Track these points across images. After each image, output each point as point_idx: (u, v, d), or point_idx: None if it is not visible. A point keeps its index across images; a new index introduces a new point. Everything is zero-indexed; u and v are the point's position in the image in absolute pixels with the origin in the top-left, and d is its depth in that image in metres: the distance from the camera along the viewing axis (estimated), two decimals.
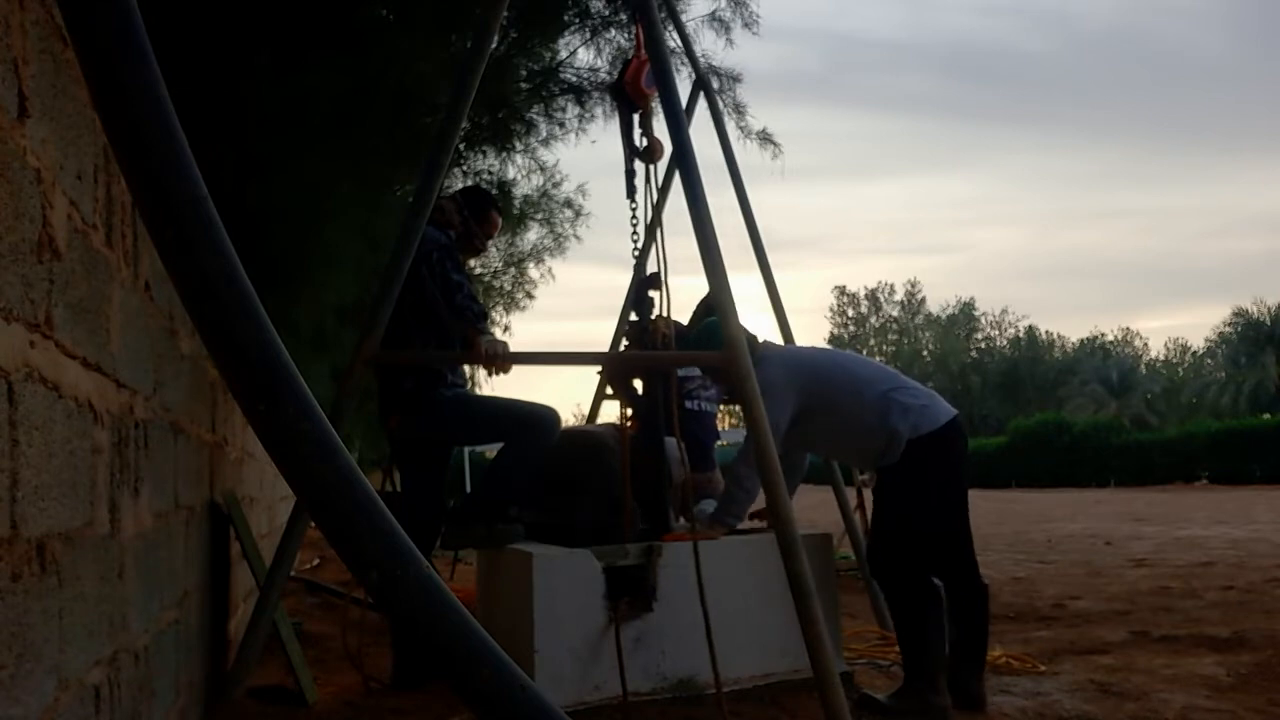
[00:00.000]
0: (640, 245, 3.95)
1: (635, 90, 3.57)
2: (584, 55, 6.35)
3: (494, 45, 4.38)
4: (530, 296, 11.41)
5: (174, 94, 1.09)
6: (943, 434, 3.53)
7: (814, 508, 12.03)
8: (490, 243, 4.60)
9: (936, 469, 3.53)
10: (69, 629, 1.45)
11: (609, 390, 5.23)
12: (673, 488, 4.04)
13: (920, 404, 3.57)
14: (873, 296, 74.84)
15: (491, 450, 4.39)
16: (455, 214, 4.08)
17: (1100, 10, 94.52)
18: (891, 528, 3.55)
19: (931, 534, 3.55)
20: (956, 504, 3.62)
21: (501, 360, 3.65)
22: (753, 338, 3.83)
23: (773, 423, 3.29)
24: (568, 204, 9.55)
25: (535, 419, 3.88)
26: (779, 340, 5.00)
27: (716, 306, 3.20)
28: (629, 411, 4.01)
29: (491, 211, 4.31)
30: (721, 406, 6.00)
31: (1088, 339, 68.60)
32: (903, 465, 3.51)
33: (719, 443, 6.25)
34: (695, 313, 5.04)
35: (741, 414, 3.33)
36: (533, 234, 10.02)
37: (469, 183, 6.78)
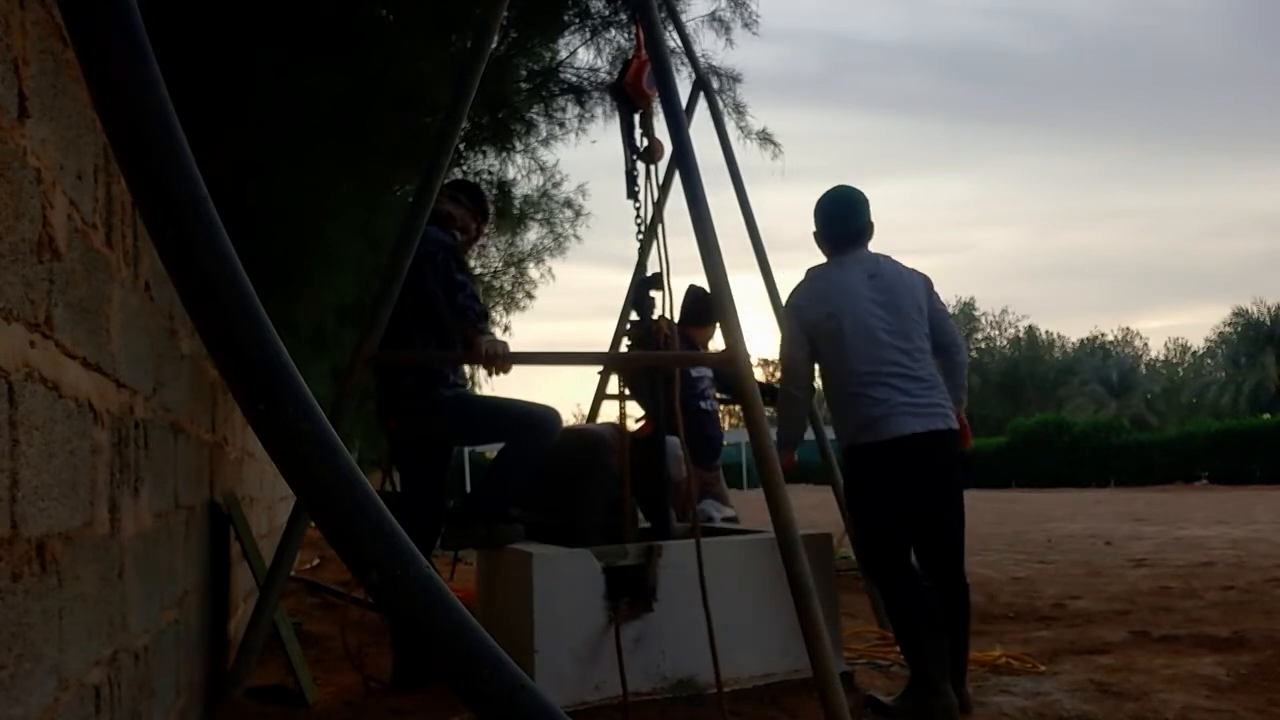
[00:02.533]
0: (642, 245, 3.96)
1: (635, 90, 3.57)
2: (584, 55, 6.37)
3: (494, 45, 4.39)
4: (530, 296, 11.41)
5: (174, 94, 1.09)
6: (884, 447, 3.41)
7: (814, 508, 12.01)
8: (484, 233, 4.69)
9: (871, 475, 3.51)
10: (69, 629, 1.45)
11: (610, 390, 5.24)
12: (674, 486, 4.04)
13: (876, 415, 3.42)
14: None
15: (491, 450, 4.40)
16: (448, 201, 4.11)
17: (1100, 11, 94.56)
18: (855, 524, 3.71)
19: (876, 531, 3.56)
20: (906, 510, 3.49)
21: (501, 360, 3.65)
22: None
23: (789, 356, 3.65)
24: (568, 204, 9.55)
25: (535, 419, 3.88)
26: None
27: (716, 307, 3.20)
28: (641, 412, 4.01)
29: (484, 200, 4.45)
30: (722, 406, 6.01)
31: (1088, 339, 68.54)
32: (846, 462, 3.63)
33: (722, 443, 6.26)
34: (686, 298, 5.06)
35: (742, 414, 3.33)
36: (533, 234, 10.02)
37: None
